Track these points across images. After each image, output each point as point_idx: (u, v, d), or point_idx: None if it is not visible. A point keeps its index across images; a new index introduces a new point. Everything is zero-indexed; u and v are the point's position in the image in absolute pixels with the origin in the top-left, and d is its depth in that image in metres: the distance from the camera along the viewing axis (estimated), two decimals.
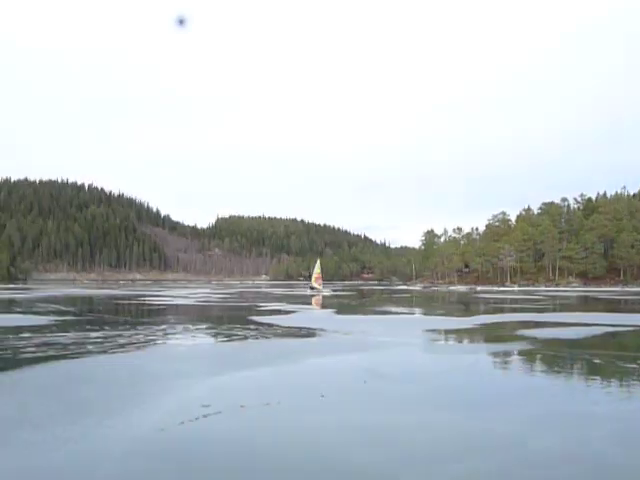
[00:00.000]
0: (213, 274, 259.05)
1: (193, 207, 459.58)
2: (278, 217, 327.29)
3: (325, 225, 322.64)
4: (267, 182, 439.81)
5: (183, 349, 15.28)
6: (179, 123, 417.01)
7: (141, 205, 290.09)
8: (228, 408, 8.17)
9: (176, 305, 42.36)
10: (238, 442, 6.77)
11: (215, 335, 19.27)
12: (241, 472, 5.75)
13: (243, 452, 6.39)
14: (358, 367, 12.32)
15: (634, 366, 12.54)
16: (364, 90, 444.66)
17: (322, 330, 20.36)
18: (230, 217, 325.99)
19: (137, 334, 18.25)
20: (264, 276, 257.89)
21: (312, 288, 78.06)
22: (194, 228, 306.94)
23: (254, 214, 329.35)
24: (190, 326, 22.07)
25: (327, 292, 75.19)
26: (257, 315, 28.83)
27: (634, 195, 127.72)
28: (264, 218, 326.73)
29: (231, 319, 28.25)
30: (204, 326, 22.72)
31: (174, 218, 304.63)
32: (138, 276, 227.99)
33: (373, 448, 6.56)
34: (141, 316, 30.96)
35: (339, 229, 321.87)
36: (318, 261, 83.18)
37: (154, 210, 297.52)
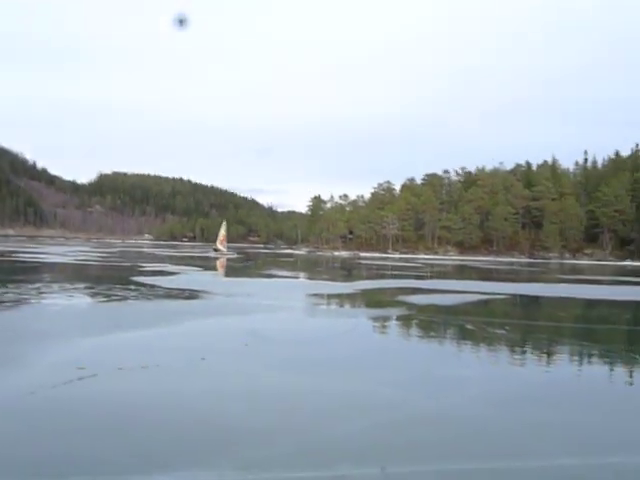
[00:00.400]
0: (93, 232, 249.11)
1: (73, 161, 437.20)
2: (164, 176, 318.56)
3: (212, 186, 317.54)
4: (153, 139, 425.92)
5: (58, 308, 14.60)
6: (64, 73, 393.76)
7: (15, 156, 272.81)
8: (104, 371, 7.87)
9: (52, 263, 40.53)
10: (112, 406, 6.52)
11: (93, 295, 18.58)
12: (113, 436, 5.56)
13: (117, 416, 6.17)
14: (240, 330, 12.26)
15: (502, 332, 13.28)
16: (260, 51, 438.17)
17: (205, 292, 20.12)
18: (113, 173, 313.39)
19: (7, 292, 17.28)
20: (147, 236, 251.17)
21: (216, 250, 76.74)
22: (74, 183, 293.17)
23: (139, 171, 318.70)
24: (67, 285, 21.19)
25: (231, 254, 74.01)
26: (138, 276, 28.05)
27: (510, 171, 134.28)
28: (149, 176, 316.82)
29: (111, 279, 27.39)
30: (82, 285, 21.86)
31: (52, 172, 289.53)
32: (11, 232, 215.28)
33: (251, 410, 6.55)
34: (13, 274, 29.29)
35: (226, 191, 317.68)
36: (224, 223, 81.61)
37: (30, 162, 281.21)
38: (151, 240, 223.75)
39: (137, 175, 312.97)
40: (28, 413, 6.16)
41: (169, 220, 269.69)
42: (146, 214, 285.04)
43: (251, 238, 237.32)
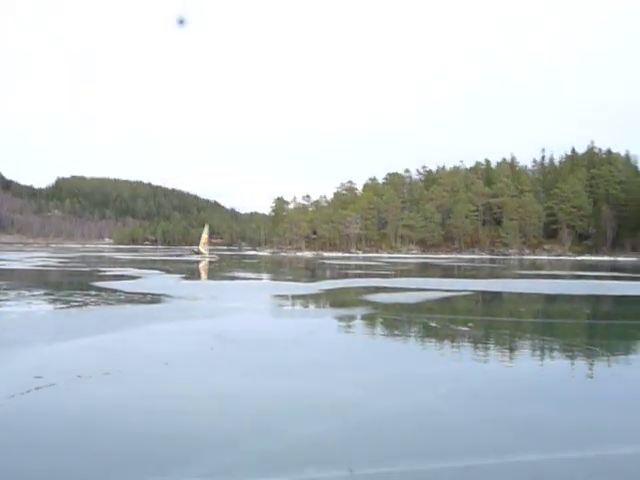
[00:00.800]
0: (52, 237, 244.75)
1: (30, 165, 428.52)
2: (123, 179, 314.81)
3: (174, 189, 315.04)
4: (112, 142, 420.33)
5: (15, 316, 14.20)
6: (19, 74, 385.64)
7: None
8: (63, 379, 7.67)
9: (9, 270, 39.61)
10: (72, 416, 6.36)
11: (52, 301, 18.18)
12: (71, 448, 5.41)
13: (77, 427, 6.01)
14: (205, 333, 12.12)
15: (465, 328, 13.36)
16: (231, 56, 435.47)
17: (168, 296, 19.84)
18: (72, 177, 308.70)
19: None
20: (107, 240, 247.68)
21: (197, 253, 75.94)
22: (31, 188, 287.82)
23: (97, 175, 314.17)
24: (25, 292, 20.68)
25: (213, 257, 73.23)
26: (99, 281, 27.60)
27: (470, 169, 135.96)
28: (108, 179, 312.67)
29: (71, 285, 26.88)
30: (40, 292, 21.39)
31: (7, 176, 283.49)
32: None
33: (216, 415, 6.46)
34: None
35: (188, 193, 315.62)
36: (206, 226, 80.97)
37: None
38: (112, 244, 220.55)
39: (96, 179, 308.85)
40: None
41: (130, 224, 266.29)
42: (106, 218, 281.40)
43: (214, 240, 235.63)
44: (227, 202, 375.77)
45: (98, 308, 16.20)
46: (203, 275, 39.68)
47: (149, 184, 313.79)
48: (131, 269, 40.32)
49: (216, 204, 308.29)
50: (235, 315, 15.63)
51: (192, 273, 40.47)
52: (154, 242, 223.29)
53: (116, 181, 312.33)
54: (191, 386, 7.69)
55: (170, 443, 5.56)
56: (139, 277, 30.92)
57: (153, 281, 28.51)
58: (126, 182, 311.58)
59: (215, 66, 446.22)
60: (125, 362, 8.95)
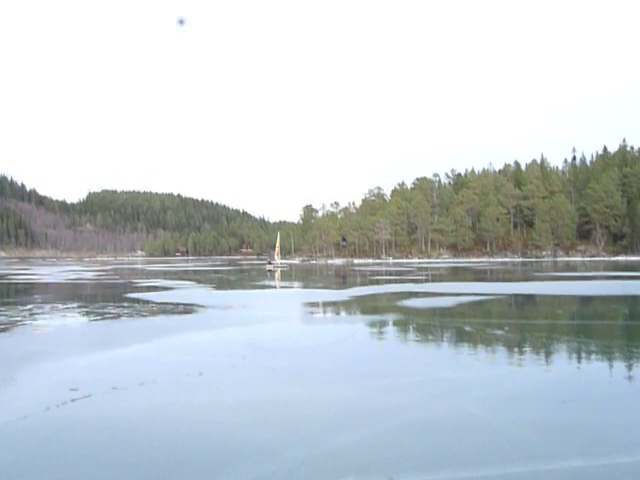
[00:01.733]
0: (85, 251, 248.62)
1: (62, 181, 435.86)
2: (153, 192, 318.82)
3: (202, 200, 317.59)
4: (142, 155, 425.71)
5: (50, 329, 14.38)
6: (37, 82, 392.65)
7: (3, 178, 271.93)
8: (98, 390, 7.70)
9: (44, 283, 40.23)
10: (107, 427, 6.36)
11: (86, 314, 18.36)
12: (110, 459, 5.39)
13: (112, 438, 6.01)
14: (238, 342, 12.12)
15: (500, 332, 13.16)
16: (254, 66, 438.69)
17: (200, 306, 19.92)
18: (102, 191, 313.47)
19: None
20: (140, 252, 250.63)
21: (270, 263, 75.67)
22: (63, 203, 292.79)
23: (128, 188, 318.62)
24: (59, 305, 20.93)
25: (284, 267, 73.20)
26: (132, 292, 27.84)
27: (499, 171, 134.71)
28: (138, 192, 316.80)
29: (104, 297, 27.15)
30: (74, 305, 21.64)
31: (41, 192, 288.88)
32: (2, 254, 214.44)
33: (252, 423, 6.40)
34: (4, 296, 29.03)
35: (217, 204, 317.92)
36: (278, 235, 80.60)
37: (18, 184, 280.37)
38: (144, 256, 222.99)
39: (126, 192, 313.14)
40: (20, 439, 5.98)
41: (161, 235, 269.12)
42: (137, 230, 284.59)
43: (244, 250, 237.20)
44: (256, 211, 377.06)
45: (131, 320, 16.30)
46: (233, 285, 39.81)
47: (179, 196, 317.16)
48: (163, 281, 40.63)
49: (245, 214, 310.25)
50: (267, 323, 15.61)
51: (222, 283, 40.61)
52: (185, 253, 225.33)
53: (146, 194, 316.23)
54: (226, 395, 7.66)
55: (207, 453, 5.52)
56: (171, 288, 31.13)
57: (185, 292, 28.66)
58: (156, 194, 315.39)
59: (229, 70, 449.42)
60: (159, 372, 8.95)
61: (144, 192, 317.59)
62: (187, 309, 19.12)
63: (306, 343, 12.24)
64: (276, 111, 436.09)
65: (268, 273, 56.39)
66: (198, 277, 47.79)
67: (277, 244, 77.38)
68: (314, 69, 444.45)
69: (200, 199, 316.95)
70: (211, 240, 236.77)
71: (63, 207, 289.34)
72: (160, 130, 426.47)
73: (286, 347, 11.61)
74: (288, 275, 53.68)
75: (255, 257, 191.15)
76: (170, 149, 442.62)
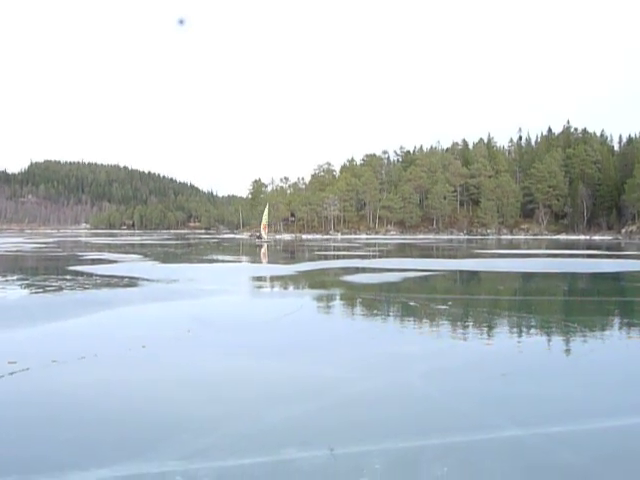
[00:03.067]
0: (26, 223, 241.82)
1: (3, 150, 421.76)
2: (99, 163, 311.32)
3: (150, 172, 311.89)
4: (87, 125, 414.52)
5: None
6: None
7: None
8: (37, 364, 7.52)
9: None
10: (45, 402, 6.22)
11: (26, 287, 17.90)
12: (48, 432, 5.28)
13: (51, 411, 5.89)
14: (182, 316, 12.01)
15: (444, 307, 13.39)
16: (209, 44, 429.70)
17: (145, 279, 19.61)
18: (45, 162, 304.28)
19: None
20: (84, 225, 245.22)
21: (259, 237, 74.28)
22: (4, 172, 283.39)
23: (72, 159, 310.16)
24: None
25: (271, 242, 72.24)
26: (75, 265, 27.28)
27: (447, 150, 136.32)
28: (83, 163, 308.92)
29: (46, 270, 26.49)
30: (14, 277, 21.06)
31: None
32: None
33: (194, 398, 6.36)
34: None
35: (165, 177, 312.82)
36: (266, 209, 78.58)
37: None
38: (89, 229, 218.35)
39: (70, 163, 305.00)
40: None
41: (106, 208, 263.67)
42: (82, 203, 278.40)
43: (191, 224, 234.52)
44: (204, 185, 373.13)
45: (73, 292, 15.96)
46: (178, 258, 39.37)
47: (125, 168, 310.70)
48: (108, 254, 39.89)
49: (193, 187, 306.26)
50: (213, 297, 15.49)
51: (169, 256, 40.15)
52: (131, 226, 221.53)
53: (91, 165, 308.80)
54: (168, 370, 7.57)
55: (148, 427, 5.47)
56: (116, 261, 30.61)
57: (130, 265, 28.16)
58: (101, 166, 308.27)
59: (177, 42, 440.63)
60: (101, 346, 8.79)
61: (89, 163, 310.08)
62: (131, 282, 18.81)
63: (252, 318, 12.21)
64: (226, 84, 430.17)
65: (257, 248, 55.78)
66: (144, 251, 47.06)
67: (265, 218, 76.08)
68: (267, 46, 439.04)
69: (147, 171, 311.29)
70: (158, 213, 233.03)
71: (3, 177, 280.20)
72: (106, 99, 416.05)
73: (231, 321, 11.57)
74: (235, 250, 53.38)
75: (203, 231, 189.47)
76: (116, 119, 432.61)
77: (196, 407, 6.02)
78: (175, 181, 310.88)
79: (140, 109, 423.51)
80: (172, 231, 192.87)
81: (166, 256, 40.23)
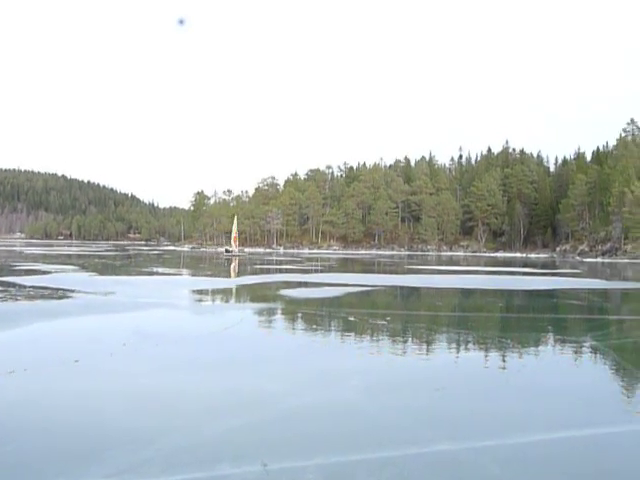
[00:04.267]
0: None
1: None
2: (36, 171, 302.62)
3: (89, 182, 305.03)
4: (24, 132, 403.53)
5: None
6: None
7: None
8: None
9: None
10: None
11: None
12: None
13: None
14: (118, 329, 11.78)
15: (383, 322, 13.51)
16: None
17: (80, 292, 19.13)
18: None
19: None
20: (19, 234, 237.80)
21: (228, 251, 70.81)
22: None
23: (7, 166, 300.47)
24: None
25: (243, 254, 69.47)
26: (7, 276, 26.41)
27: (390, 166, 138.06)
28: (19, 171, 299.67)
29: None
30: None
31: None
32: None
33: (128, 412, 6.24)
34: None
35: (105, 186, 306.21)
36: (235, 220, 75.10)
37: None
38: (24, 239, 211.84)
39: (6, 170, 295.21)
40: None
41: (43, 217, 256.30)
42: (17, 211, 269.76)
43: (131, 235, 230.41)
44: (145, 196, 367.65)
45: (4, 304, 15.43)
46: (117, 270, 38.58)
47: (63, 176, 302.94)
48: (43, 265, 38.78)
49: (134, 198, 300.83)
50: (150, 310, 15.25)
51: (106, 268, 39.30)
52: (69, 236, 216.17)
53: (27, 172, 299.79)
54: (102, 383, 7.40)
55: (80, 441, 5.36)
56: (50, 272, 29.74)
57: (65, 276, 27.47)
58: (38, 174, 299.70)
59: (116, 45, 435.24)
60: (32, 360, 8.54)
61: (25, 171, 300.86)
62: (66, 294, 18.32)
63: (190, 331, 12.06)
64: (168, 94, 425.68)
65: (226, 261, 54.46)
66: (81, 262, 45.94)
67: (234, 229, 73.28)
68: (204, 54, 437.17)
69: (86, 181, 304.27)
70: (97, 224, 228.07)
71: None
72: (45, 106, 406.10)
73: (169, 335, 11.38)
74: (176, 262, 52.67)
75: (143, 243, 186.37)
76: (55, 126, 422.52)
77: (130, 422, 5.91)
78: (115, 191, 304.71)
79: (79, 117, 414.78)
80: (111, 242, 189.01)
81: (104, 268, 39.38)
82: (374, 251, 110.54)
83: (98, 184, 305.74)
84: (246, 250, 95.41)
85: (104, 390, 7.08)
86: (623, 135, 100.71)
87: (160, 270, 37.49)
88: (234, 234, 72.86)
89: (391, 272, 40.60)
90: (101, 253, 72.69)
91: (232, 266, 46.77)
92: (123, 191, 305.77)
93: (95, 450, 5.04)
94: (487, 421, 6.18)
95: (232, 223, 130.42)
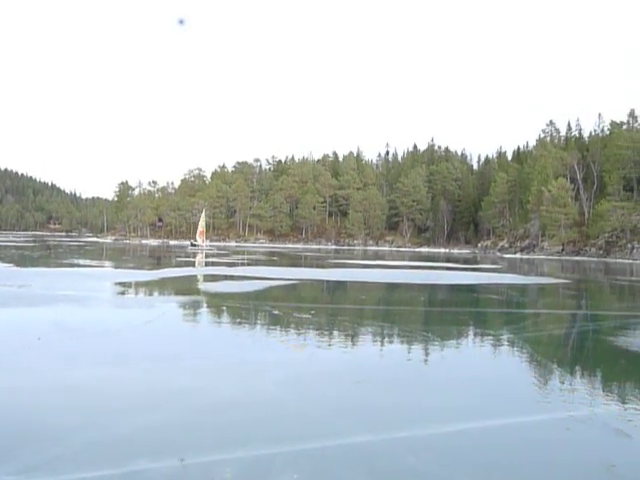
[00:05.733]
0: None
1: None
2: None
3: (6, 169, 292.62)
4: None
5: None
6: None
7: None
8: None
9: None
10: None
11: None
12: None
13: None
14: (34, 323, 11.40)
15: (307, 316, 13.57)
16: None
17: None
18: None
19: None
20: None
21: (193, 245, 67.59)
22: None
23: None
24: None
25: (211, 249, 66.54)
26: None
27: (318, 161, 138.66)
28: None
29: None
30: None
31: None
32: None
33: (42, 407, 6.05)
34: None
35: (23, 174, 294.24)
36: (203, 213, 71.74)
37: None
38: None
39: None
40: None
41: None
42: None
43: (52, 226, 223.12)
44: (67, 185, 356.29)
45: None
46: (35, 262, 37.29)
47: None
48: None
49: (54, 187, 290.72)
50: (68, 303, 14.76)
51: (24, 260, 37.91)
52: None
53: None
54: (13, 378, 7.15)
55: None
56: None
57: None
58: None
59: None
60: None
61: None
62: None
63: (110, 324, 11.76)
64: (92, 79, 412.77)
65: (192, 255, 52.68)
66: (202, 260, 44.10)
67: (201, 223, 70.79)
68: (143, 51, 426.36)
69: (3, 168, 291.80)
70: (14, 214, 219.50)
71: None
72: None
73: (87, 328, 11.07)
74: (98, 254, 51.32)
75: (64, 234, 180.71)
76: None
77: (43, 417, 5.75)
78: (35, 180, 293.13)
79: None
80: (30, 233, 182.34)
81: (20, 259, 37.95)
82: (301, 245, 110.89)
83: (16, 172, 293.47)
84: (218, 244, 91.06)
85: (15, 386, 6.84)
86: (542, 136, 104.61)
87: (81, 262, 36.44)
88: (200, 228, 70.92)
89: (317, 266, 40.82)
90: (18, 244, 69.97)
91: (158, 259, 45.93)
92: (43, 180, 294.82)
93: (5, 447, 4.87)
94: (405, 412, 6.31)
95: (156, 214, 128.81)
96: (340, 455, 4.94)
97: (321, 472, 4.60)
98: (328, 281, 26.48)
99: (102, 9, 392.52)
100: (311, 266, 40.79)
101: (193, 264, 38.29)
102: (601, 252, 75.47)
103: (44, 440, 5.06)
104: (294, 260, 49.53)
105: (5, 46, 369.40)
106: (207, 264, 37.79)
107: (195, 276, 26.49)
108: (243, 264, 39.76)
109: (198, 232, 72.26)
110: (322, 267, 39.31)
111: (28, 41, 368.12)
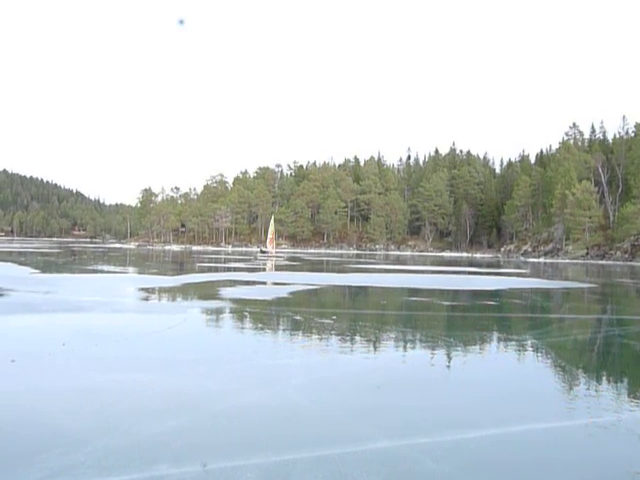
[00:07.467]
0: None
1: None
2: None
3: (32, 177, 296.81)
4: None
5: None
6: None
7: None
8: None
9: None
10: None
11: None
12: None
13: None
14: (59, 329, 11.49)
15: (329, 321, 13.56)
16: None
17: (20, 290, 18.62)
18: None
19: None
20: None
21: (263, 252, 67.23)
22: None
23: None
24: None
25: (280, 256, 66.18)
26: None
27: (339, 166, 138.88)
28: None
29: None
30: None
31: None
32: None
33: (65, 413, 6.11)
34: None
35: (48, 182, 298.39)
36: (272, 221, 71.82)
37: None
38: None
39: None
40: None
41: None
42: None
43: (76, 232, 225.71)
44: (91, 192, 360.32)
45: None
46: (60, 268, 37.72)
47: (4, 171, 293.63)
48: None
49: (79, 194, 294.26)
50: (93, 309, 14.91)
51: (49, 266, 38.36)
52: (10, 233, 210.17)
53: None
54: (38, 383, 7.22)
55: (13, 442, 5.23)
56: None
57: (6, 274, 26.67)
58: None
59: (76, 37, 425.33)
60: None
61: None
62: (4, 292, 17.80)
63: (132, 330, 11.84)
64: (115, 88, 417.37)
65: (260, 261, 52.45)
66: (21, 259, 44.71)
67: (271, 229, 70.56)
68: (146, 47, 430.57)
69: (29, 176, 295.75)
70: (40, 220, 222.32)
71: None
72: None
73: (111, 334, 11.16)
74: (122, 260, 51.78)
75: (88, 240, 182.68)
76: None
77: (65, 422, 5.79)
78: (59, 187, 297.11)
79: (21, 110, 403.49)
80: (55, 239, 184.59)
81: (46, 265, 38.41)
82: (323, 250, 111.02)
83: (41, 179, 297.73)
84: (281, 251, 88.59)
85: (40, 391, 6.92)
86: (565, 139, 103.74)
87: (105, 268, 36.80)
88: (270, 235, 70.64)
89: (339, 271, 40.79)
90: (43, 250, 70.84)
91: (181, 264, 46.22)
92: (67, 187, 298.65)
93: (28, 451, 4.93)
94: (426, 418, 6.28)
95: (179, 220, 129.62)
96: (360, 460, 4.93)
97: (341, 478, 4.59)
98: (350, 286, 26.44)
99: (118, 13, 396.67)
100: (333, 271, 40.77)
101: (215, 270, 38.43)
102: (627, 256, 74.55)
103: (67, 445, 5.11)
104: (316, 265, 49.57)
105: (29, 54, 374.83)
106: (229, 270, 37.87)
107: (218, 281, 26.57)
108: (264, 269, 39.84)
109: (268, 239, 71.63)
110: (344, 272, 39.28)
111: (49, 47, 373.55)
